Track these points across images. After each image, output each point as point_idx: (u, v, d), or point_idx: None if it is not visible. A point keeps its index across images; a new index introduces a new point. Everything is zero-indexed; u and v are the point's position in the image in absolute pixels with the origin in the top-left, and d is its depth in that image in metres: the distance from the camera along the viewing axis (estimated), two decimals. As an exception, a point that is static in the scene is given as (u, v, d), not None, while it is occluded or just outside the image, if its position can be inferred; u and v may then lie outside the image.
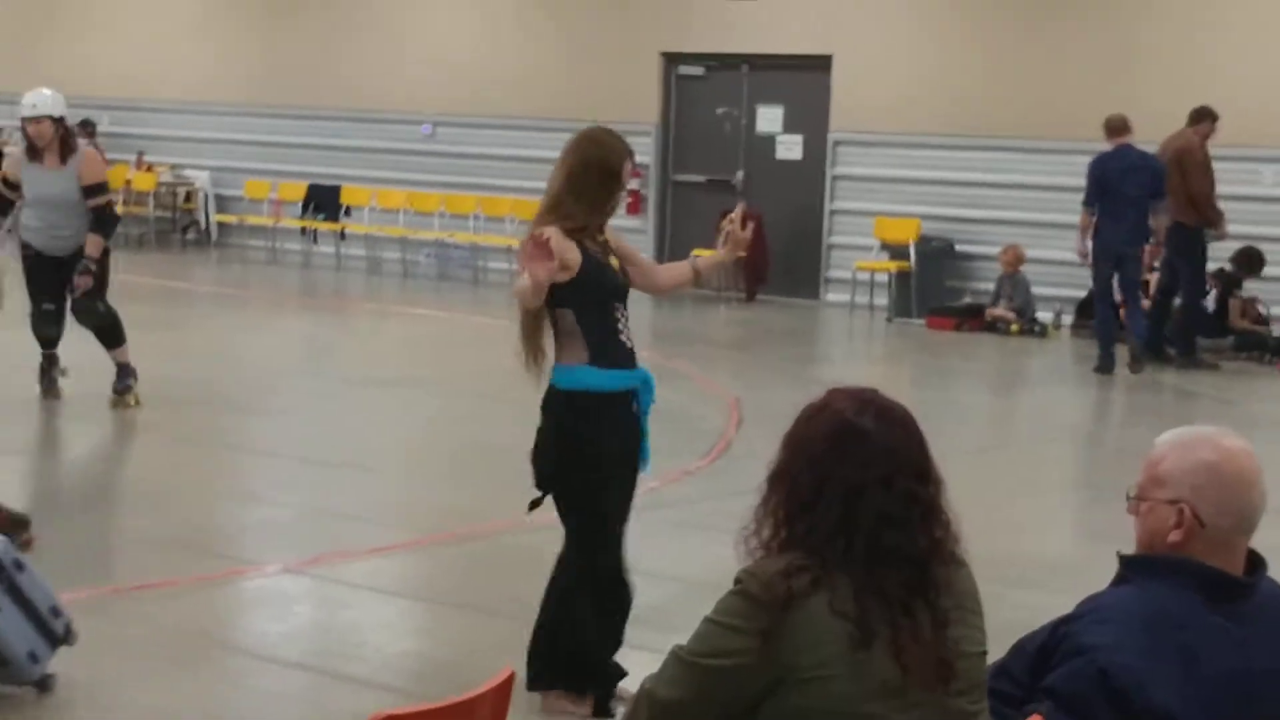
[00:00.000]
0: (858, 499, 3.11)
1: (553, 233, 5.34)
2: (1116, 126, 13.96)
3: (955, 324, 16.19)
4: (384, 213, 20.22)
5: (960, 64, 17.10)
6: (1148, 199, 13.66)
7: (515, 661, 5.71)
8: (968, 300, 16.76)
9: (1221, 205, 14.44)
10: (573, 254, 5.40)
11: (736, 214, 5.97)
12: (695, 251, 17.95)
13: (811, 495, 3.14)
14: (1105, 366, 13.88)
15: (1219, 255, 15.12)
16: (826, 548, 3.09)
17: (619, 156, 5.57)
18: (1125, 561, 3.40)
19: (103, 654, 6.26)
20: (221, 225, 21.61)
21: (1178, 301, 14.65)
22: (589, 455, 5.43)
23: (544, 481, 5.52)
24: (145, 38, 21.70)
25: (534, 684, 5.56)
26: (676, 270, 6.10)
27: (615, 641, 5.63)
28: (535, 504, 5.56)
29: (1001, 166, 16.89)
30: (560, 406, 5.47)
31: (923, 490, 3.17)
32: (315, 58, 20.67)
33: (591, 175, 5.51)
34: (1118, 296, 14.14)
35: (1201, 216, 14.27)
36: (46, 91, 10.76)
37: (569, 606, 5.54)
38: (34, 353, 10.88)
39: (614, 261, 5.58)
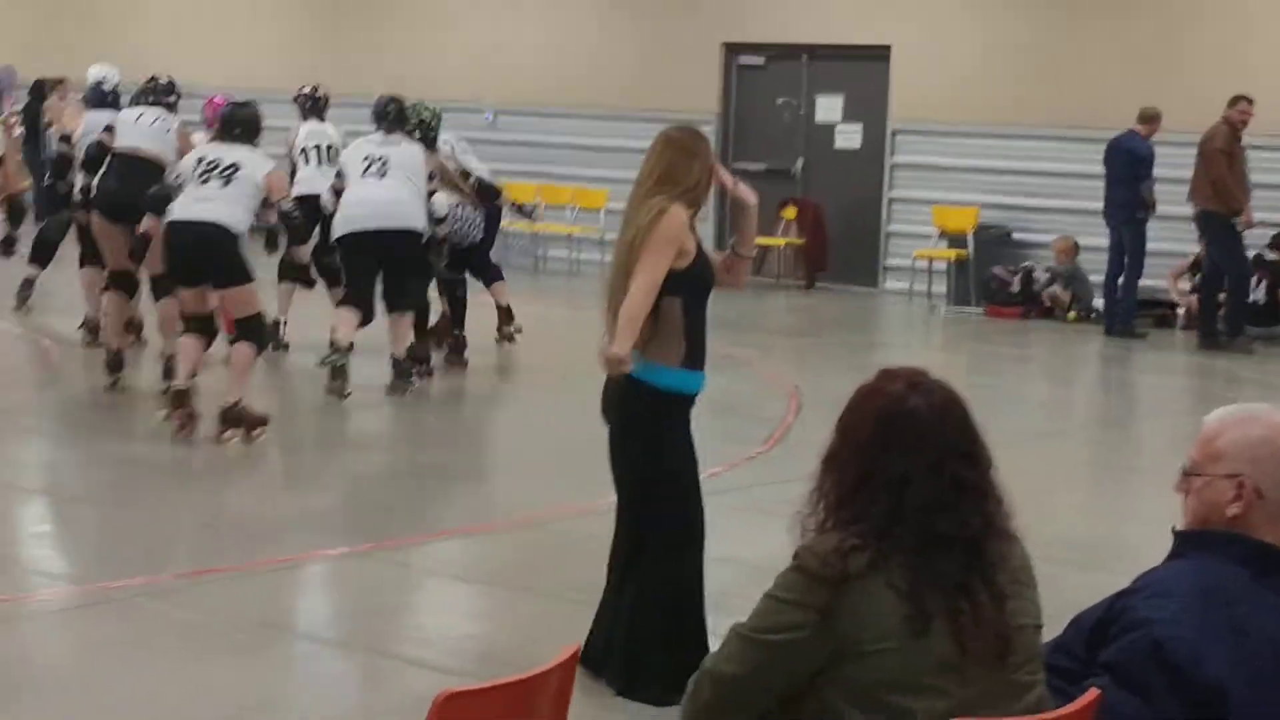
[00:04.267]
0: (906, 487, 3.15)
1: (683, 217, 5.37)
2: (1141, 115, 15.13)
3: (1021, 312, 16.19)
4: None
5: (1018, 53, 17.05)
6: (1127, 179, 15.00)
7: (575, 643, 5.79)
8: (1014, 285, 16.70)
9: (1259, 193, 14.58)
10: (690, 241, 5.43)
11: (725, 176, 5.78)
12: (756, 240, 18.05)
13: (862, 479, 3.19)
14: (1109, 328, 15.27)
15: (1257, 242, 15.31)
16: (880, 530, 3.14)
17: (707, 157, 5.58)
18: (1180, 536, 3.45)
19: (166, 639, 6.34)
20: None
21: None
22: (678, 451, 5.48)
23: (624, 479, 5.52)
24: (198, 26, 21.79)
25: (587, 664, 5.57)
26: (725, 261, 5.88)
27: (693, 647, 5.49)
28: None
29: (1060, 155, 16.84)
30: (646, 402, 5.44)
31: (970, 472, 3.21)
32: (374, 45, 20.75)
33: (698, 167, 5.50)
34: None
35: (1223, 203, 14.41)
36: None
37: (643, 614, 5.54)
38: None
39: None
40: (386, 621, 6.73)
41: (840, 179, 18.30)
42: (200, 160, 9.83)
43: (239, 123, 10.07)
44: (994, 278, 16.64)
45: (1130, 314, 15.34)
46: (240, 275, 9.72)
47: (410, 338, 11.36)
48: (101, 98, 12.58)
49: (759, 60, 18.83)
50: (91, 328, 12.45)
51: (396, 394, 11.11)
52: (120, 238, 10.75)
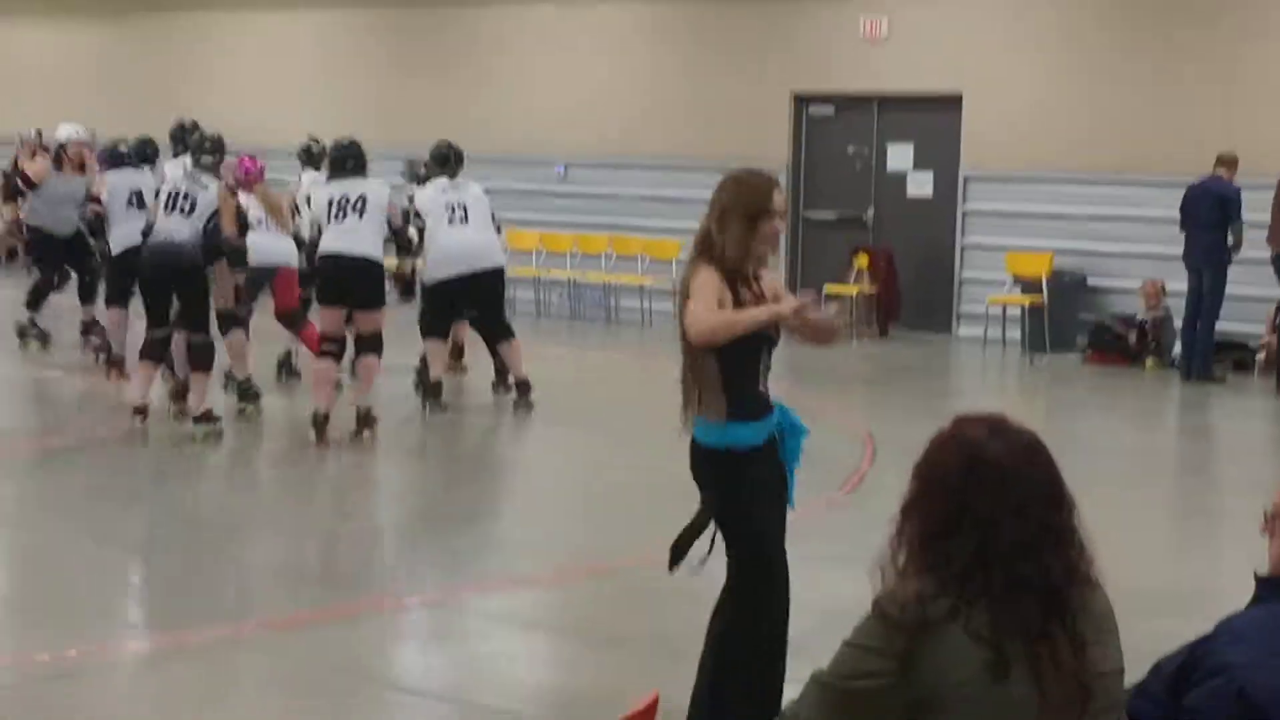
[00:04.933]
0: (992, 531, 3.14)
1: (713, 282, 5.30)
2: (1219, 159, 15.12)
3: (1126, 359, 16.09)
4: (517, 253, 20.38)
5: (1088, 98, 17.02)
6: (1215, 223, 14.93)
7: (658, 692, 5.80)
8: (1091, 331, 16.59)
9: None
10: (726, 299, 5.37)
11: (809, 298, 5.60)
12: (826, 288, 18.06)
13: (945, 526, 3.18)
14: (1185, 373, 15.16)
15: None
16: (962, 577, 3.13)
17: (762, 195, 5.45)
18: (1262, 582, 3.43)
19: (249, 689, 6.40)
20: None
21: None
22: (736, 504, 5.43)
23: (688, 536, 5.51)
24: (270, 88, 22.07)
25: None
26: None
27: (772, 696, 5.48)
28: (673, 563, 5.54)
29: (1133, 200, 16.78)
30: (702, 461, 5.47)
31: (1055, 516, 3.20)
32: (448, 101, 20.93)
33: (741, 213, 5.42)
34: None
35: None
36: None
37: (725, 651, 5.52)
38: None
39: None
40: (466, 670, 6.77)
41: (912, 226, 18.30)
42: (330, 201, 11.24)
43: (351, 157, 11.44)
44: (1108, 329, 16.42)
45: (1208, 358, 15.24)
46: (379, 300, 11.42)
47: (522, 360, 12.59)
48: (119, 158, 13.48)
49: (829, 110, 18.88)
50: (116, 362, 13.26)
51: (524, 410, 12.37)
52: (226, 279, 12.02)
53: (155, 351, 11.39)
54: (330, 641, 7.03)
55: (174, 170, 12.60)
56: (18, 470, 10.77)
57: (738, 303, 5.40)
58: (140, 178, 13.25)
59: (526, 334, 18.33)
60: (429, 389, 12.34)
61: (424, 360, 12.62)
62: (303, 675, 6.56)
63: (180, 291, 11.29)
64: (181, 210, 11.18)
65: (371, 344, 11.38)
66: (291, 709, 6.17)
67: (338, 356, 11.48)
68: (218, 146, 11.97)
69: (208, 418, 11.20)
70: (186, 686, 6.49)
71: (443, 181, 12.41)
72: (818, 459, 10.72)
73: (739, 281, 5.43)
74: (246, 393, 12.15)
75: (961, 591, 3.13)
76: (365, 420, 11.28)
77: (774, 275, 5.69)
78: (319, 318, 11.68)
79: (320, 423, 11.15)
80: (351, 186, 11.29)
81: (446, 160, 12.55)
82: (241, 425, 11.84)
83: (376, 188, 11.41)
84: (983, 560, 3.14)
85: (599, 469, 11.09)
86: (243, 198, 12.22)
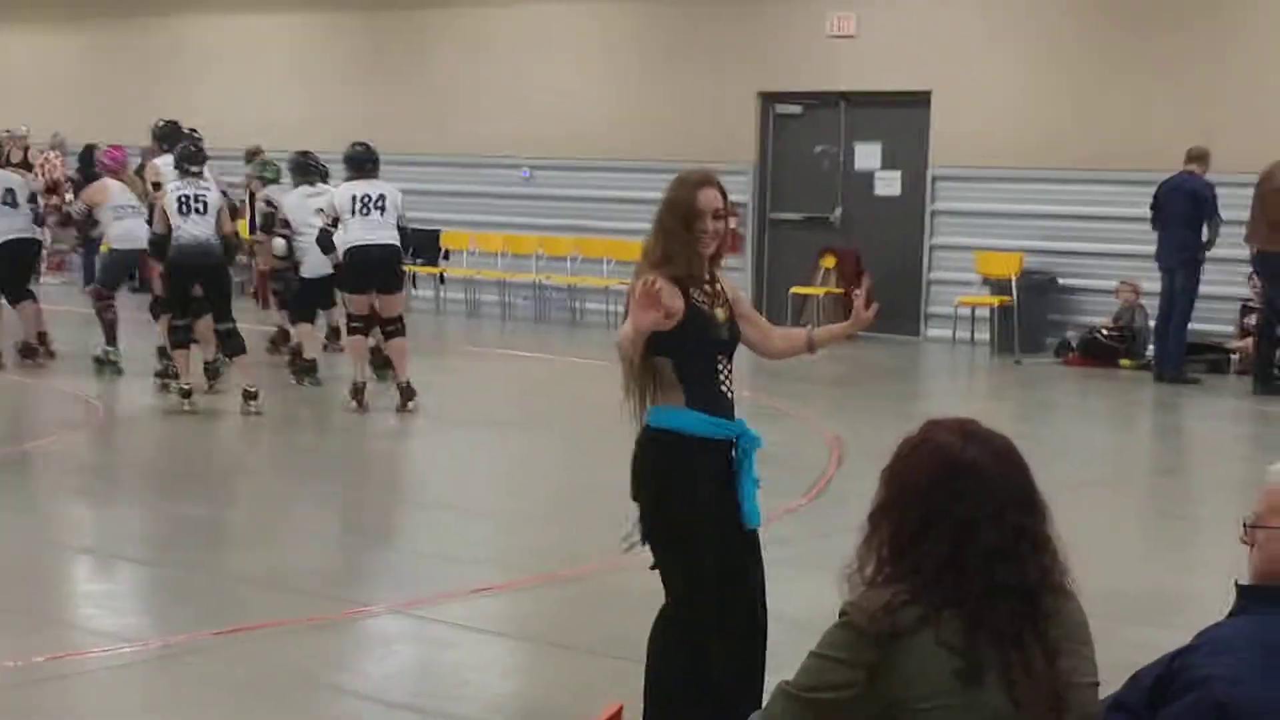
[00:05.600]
0: (968, 535, 3.08)
1: (662, 282, 5.22)
2: (1189, 155, 15.02)
3: (1102, 361, 16.00)
4: (483, 256, 20.35)
5: (1058, 96, 16.98)
6: (1188, 220, 14.82)
7: (619, 700, 5.69)
8: (1069, 334, 16.58)
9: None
10: (676, 302, 5.22)
11: (863, 290, 5.72)
12: (793, 289, 17.98)
13: (918, 531, 3.11)
14: (1159, 375, 15.08)
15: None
16: (934, 583, 3.06)
17: (689, 197, 5.31)
18: (1243, 591, 3.34)
19: (207, 695, 6.31)
20: (323, 271, 21.79)
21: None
22: (678, 498, 5.32)
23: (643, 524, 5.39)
24: (244, 89, 22.04)
25: None
26: (793, 338, 5.78)
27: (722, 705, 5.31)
28: (631, 545, 5.42)
29: (1104, 199, 16.74)
30: (650, 445, 5.31)
31: (1031, 521, 3.14)
32: (413, 105, 20.87)
33: (674, 217, 5.31)
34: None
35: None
36: None
37: (654, 650, 5.40)
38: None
39: (720, 313, 5.37)
40: (429, 677, 6.68)
41: (880, 226, 18.23)
42: (354, 198, 12.63)
43: (370, 160, 12.98)
44: (1093, 331, 16.34)
45: (1181, 359, 15.16)
46: (401, 285, 13.18)
47: None
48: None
49: (796, 109, 18.80)
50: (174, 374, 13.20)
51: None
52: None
53: (185, 337, 12.69)
54: (291, 649, 6.94)
55: (165, 167, 13.59)
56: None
57: (691, 305, 5.28)
58: (10, 177, 14.89)
59: (492, 337, 18.34)
60: (305, 368, 13.91)
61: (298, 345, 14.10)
62: (262, 683, 6.48)
63: (208, 285, 12.65)
64: (197, 211, 12.44)
65: (399, 326, 12.88)
66: (249, 716, 6.07)
67: (366, 332, 13.08)
68: (202, 155, 13.05)
69: (251, 394, 12.44)
70: (146, 693, 6.41)
71: (307, 188, 13.88)
72: (784, 462, 10.70)
73: (690, 284, 5.32)
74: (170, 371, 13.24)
75: (932, 599, 3.05)
76: (407, 394, 12.62)
77: (731, 276, 5.57)
78: (348, 302, 13.05)
79: (360, 390, 12.73)
80: (372, 186, 12.77)
81: (309, 169, 14.12)
82: (197, 422, 11.74)
83: (392, 188, 12.92)
84: (956, 566, 3.07)
85: (562, 473, 10.99)
86: (114, 184, 13.98)
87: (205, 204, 12.48)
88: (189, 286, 12.63)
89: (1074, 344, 16.38)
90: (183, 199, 12.41)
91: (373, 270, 12.74)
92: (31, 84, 23.98)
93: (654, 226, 5.41)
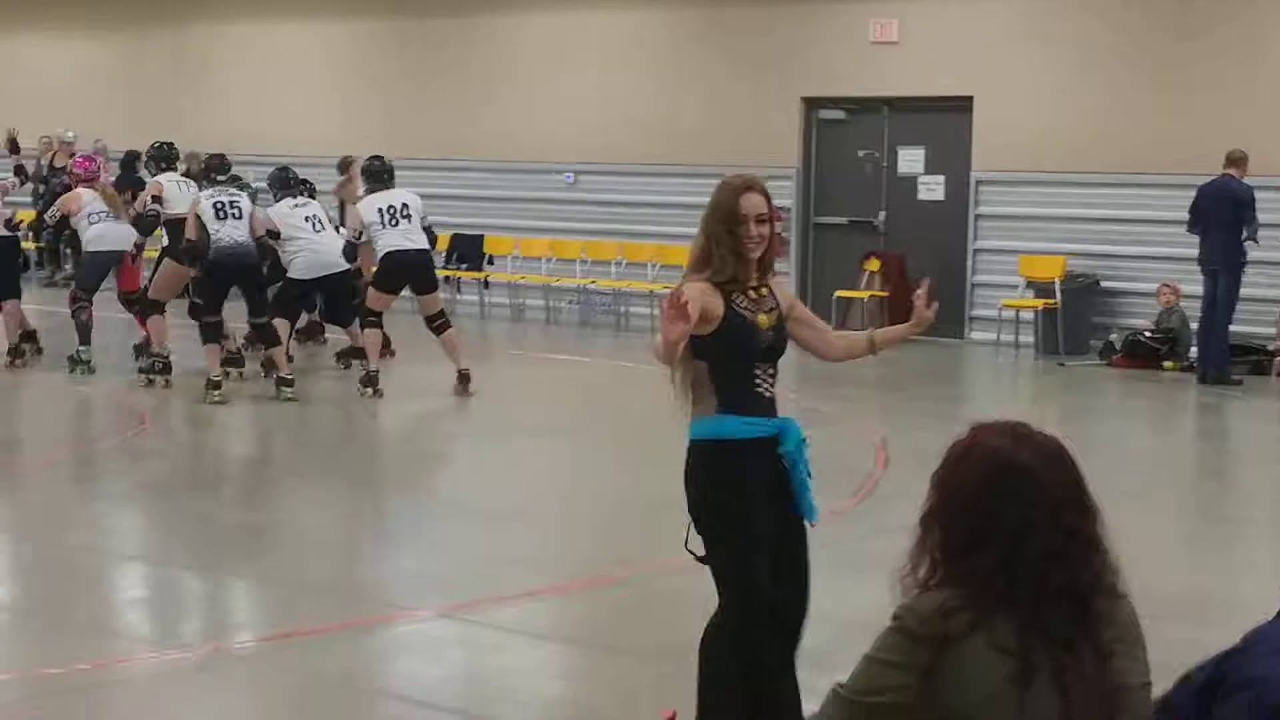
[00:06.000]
0: (1023, 539, 3.07)
1: (693, 291, 5.14)
2: (1228, 158, 15.00)
3: (1146, 363, 15.93)
4: (527, 261, 20.40)
5: (1100, 102, 16.93)
6: (1229, 223, 14.82)
7: (669, 705, 5.72)
8: (1112, 336, 16.53)
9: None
10: (715, 307, 5.26)
11: (923, 290, 5.70)
12: (837, 293, 17.98)
13: (972, 536, 3.11)
14: (1202, 376, 15.05)
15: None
16: (987, 588, 3.07)
17: (732, 195, 5.31)
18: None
19: (255, 702, 6.34)
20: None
21: None
22: (727, 506, 5.28)
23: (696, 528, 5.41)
24: (288, 95, 22.14)
25: None
26: (853, 341, 5.78)
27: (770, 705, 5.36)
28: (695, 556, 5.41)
29: (1147, 202, 16.70)
30: (695, 456, 5.33)
31: (1083, 524, 3.14)
32: (458, 110, 20.94)
33: (718, 222, 5.30)
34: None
35: None
36: None
37: (706, 653, 5.39)
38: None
39: (765, 319, 5.35)
40: (478, 681, 6.71)
41: (924, 230, 18.21)
42: (380, 210, 13.56)
43: (388, 171, 14.01)
44: (1138, 332, 16.28)
45: (1225, 360, 15.12)
46: (436, 283, 14.12)
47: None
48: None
49: (839, 114, 18.80)
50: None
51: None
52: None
53: (215, 334, 13.45)
54: (341, 653, 6.97)
55: (169, 184, 14.45)
56: (25, 481, 10.72)
57: (732, 311, 5.28)
58: None
59: (537, 341, 18.38)
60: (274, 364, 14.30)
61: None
62: (310, 688, 6.51)
63: (245, 285, 13.53)
64: (233, 216, 13.28)
65: (444, 320, 13.90)
66: (300, 722, 6.11)
67: (381, 325, 14.01)
68: (227, 165, 14.04)
69: (286, 382, 13.27)
70: (192, 700, 6.43)
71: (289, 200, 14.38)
72: (830, 465, 10.68)
73: (734, 290, 5.32)
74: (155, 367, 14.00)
75: (985, 604, 3.06)
76: (464, 379, 13.71)
77: (782, 279, 5.57)
78: (371, 298, 13.82)
79: (374, 379, 13.58)
80: (394, 196, 13.71)
81: (288, 182, 14.57)
82: (235, 425, 11.79)
83: (411, 194, 13.89)
84: (1009, 571, 3.07)
85: (608, 477, 11.02)
86: (86, 192, 14.46)
87: (240, 209, 13.34)
88: (227, 287, 13.42)
89: (1116, 346, 16.32)
90: (218, 205, 13.26)
91: (410, 273, 13.71)
92: (73, 91, 24.13)
93: (699, 231, 5.41)
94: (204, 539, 9.12)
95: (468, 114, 20.85)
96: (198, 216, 13.26)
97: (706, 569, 5.36)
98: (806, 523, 5.44)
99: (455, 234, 20.90)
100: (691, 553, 5.36)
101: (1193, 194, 15.22)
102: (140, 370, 14.21)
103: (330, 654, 6.96)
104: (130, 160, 20.43)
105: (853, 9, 18.30)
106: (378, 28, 21.87)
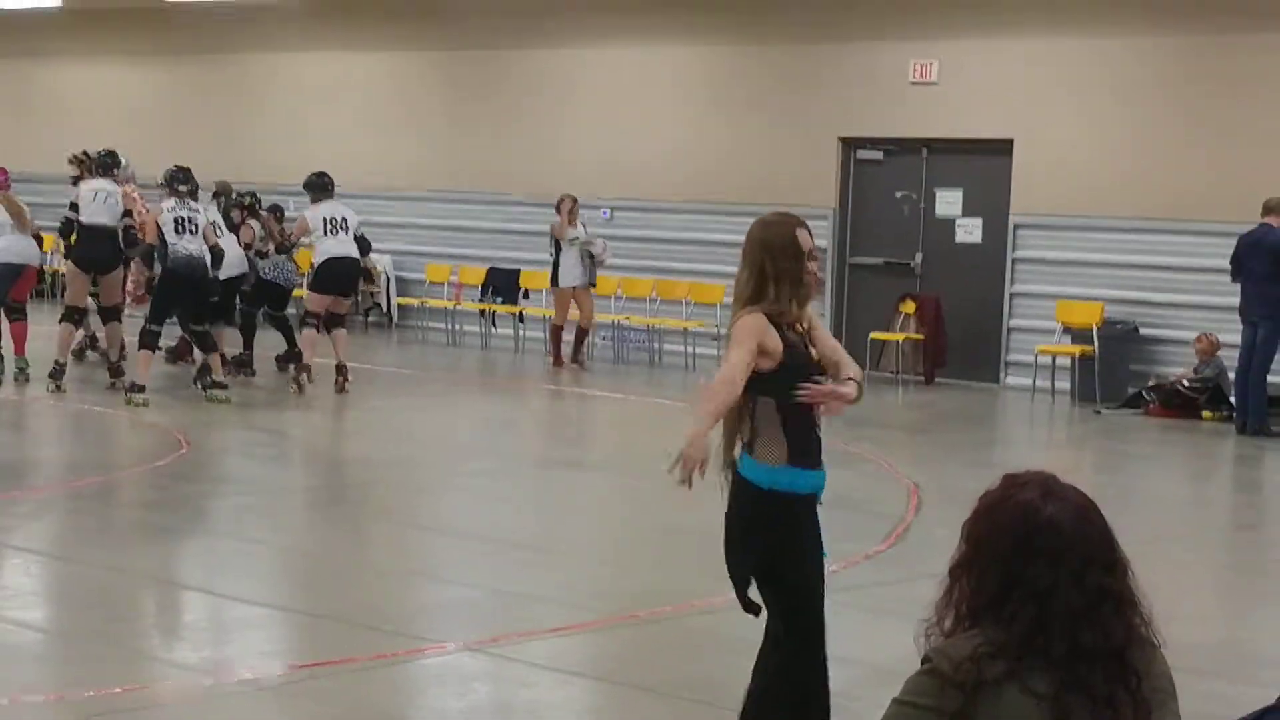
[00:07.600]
0: (1049, 599, 3.06)
1: (757, 323, 5.25)
2: (1265, 206, 14.94)
3: (1184, 412, 15.81)
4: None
5: (1139, 148, 16.89)
6: (1268, 275, 14.69)
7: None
8: (1152, 383, 16.41)
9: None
10: (773, 341, 5.30)
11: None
12: (872, 335, 17.95)
13: (998, 592, 3.09)
14: (1241, 426, 14.90)
15: None
16: (1021, 644, 3.04)
17: (789, 230, 5.41)
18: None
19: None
20: (402, 307, 21.97)
21: None
22: (793, 552, 5.35)
23: (742, 581, 5.39)
24: (329, 130, 22.23)
25: None
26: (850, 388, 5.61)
27: None
28: (749, 607, 5.44)
29: (1187, 249, 16.63)
30: (755, 503, 5.36)
31: (1112, 580, 3.11)
32: (495, 145, 21.01)
33: (786, 257, 5.36)
34: None
35: None
36: None
37: (764, 708, 5.41)
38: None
39: (814, 352, 5.44)
40: (505, 716, 6.68)
41: (960, 273, 18.17)
42: (324, 220, 15.32)
43: (331, 185, 15.63)
44: (1175, 382, 16.17)
45: (1264, 411, 15.01)
46: (356, 291, 16.16)
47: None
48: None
49: (877, 155, 18.80)
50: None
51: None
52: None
53: (154, 341, 14.38)
54: (367, 686, 6.95)
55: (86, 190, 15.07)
56: (59, 504, 10.75)
57: (787, 344, 5.34)
58: None
59: (571, 376, 18.38)
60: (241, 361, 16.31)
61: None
62: (343, 719, 6.47)
63: (195, 295, 14.39)
64: (190, 231, 14.28)
65: (344, 320, 15.82)
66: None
67: (318, 328, 15.37)
68: (190, 177, 14.70)
69: (220, 385, 14.44)
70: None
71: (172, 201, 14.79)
72: (862, 508, 10.68)
73: (783, 326, 5.37)
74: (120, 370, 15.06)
75: (1019, 653, 3.03)
76: (342, 371, 15.21)
77: (815, 315, 5.60)
78: (311, 301, 15.47)
79: (307, 372, 15.16)
80: (335, 209, 15.55)
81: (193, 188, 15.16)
82: (254, 453, 11.78)
83: (349, 210, 15.71)
84: (1041, 626, 3.05)
85: (640, 514, 11.00)
86: None
87: (196, 225, 14.41)
88: (178, 297, 14.40)
89: (1153, 394, 16.18)
90: (179, 220, 14.29)
91: (341, 278, 15.64)
92: (117, 118, 24.28)
93: (744, 266, 5.44)
94: (230, 566, 9.12)
95: (507, 150, 20.92)
96: (158, 225, 14.24)
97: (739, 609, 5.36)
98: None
99: (491, 268, 20.94)
100: (747, 602, 5.36)
101: (1232, 241, 15.14)
102: (50, 375, 14.72)
103: (360, 686, 6.94)
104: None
105: (893, 49, 18.30)
106: (418, 61, 21.97)
